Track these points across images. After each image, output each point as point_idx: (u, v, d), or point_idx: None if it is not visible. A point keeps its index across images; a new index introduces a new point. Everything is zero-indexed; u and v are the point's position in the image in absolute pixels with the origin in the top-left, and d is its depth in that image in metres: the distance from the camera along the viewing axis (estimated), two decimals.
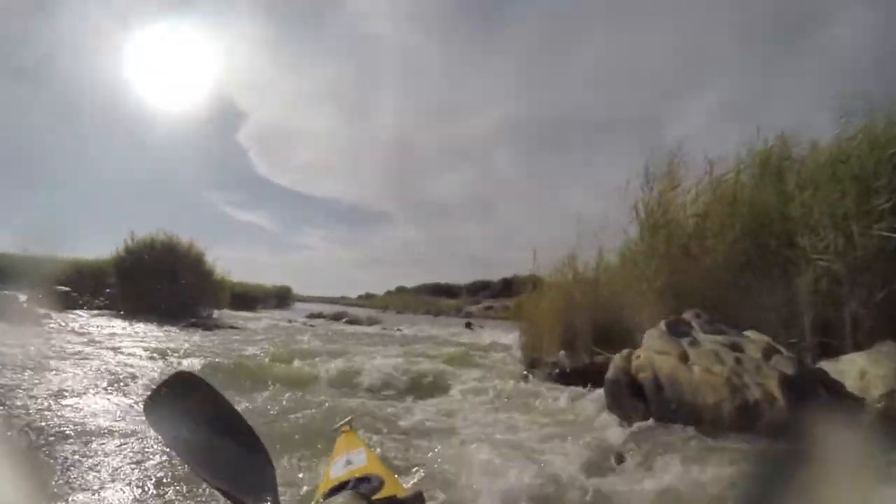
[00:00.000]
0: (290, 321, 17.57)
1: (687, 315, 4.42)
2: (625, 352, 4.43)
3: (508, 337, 13.06)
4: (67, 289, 12.16)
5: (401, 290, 75.54)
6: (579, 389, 5.21)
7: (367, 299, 74.30)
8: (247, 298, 28.49)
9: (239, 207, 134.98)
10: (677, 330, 4.21)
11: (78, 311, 11.44)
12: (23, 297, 9.61)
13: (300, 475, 2.74)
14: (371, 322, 20.40)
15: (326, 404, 4.37)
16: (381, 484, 1.49)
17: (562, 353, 6.55)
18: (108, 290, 13.01)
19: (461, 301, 60.20)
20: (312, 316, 21.33)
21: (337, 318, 20.17)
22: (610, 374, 4.36)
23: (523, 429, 3.99)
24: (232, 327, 12.11)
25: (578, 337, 6.58)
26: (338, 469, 1.80)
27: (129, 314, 11.22)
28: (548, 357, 6.74)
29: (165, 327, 10.16)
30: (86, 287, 13.10)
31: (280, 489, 1.22)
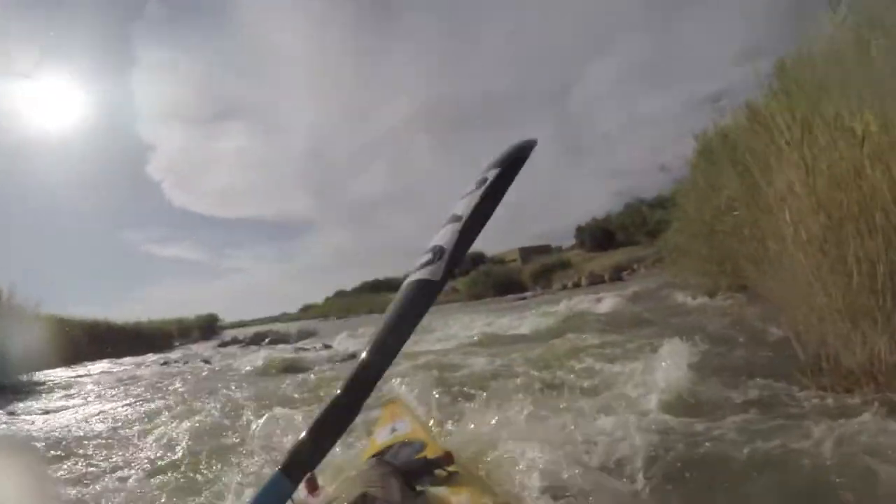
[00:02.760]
0: (164, 363, 12.37)
1: None
2: None
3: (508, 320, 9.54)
4: None
5: (340, 295, 72.60)
6: None
7: (306, 311, 71.37)
8: (160, 336, 25.04)
9: (160, 243, 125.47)
10: None
11: None
12: None
13: None
14: (302, 336, 16.84)
15: None
16: (422, 447, 1.48)
17: None
18: None
19: None
20: (224, 344, 17.29)
21: (256, 340, 16.21)
22: None
23: None
24: None
25: None
26: (383, 435, 1.83)
27: None
28: None
29: None
30: None
31: None
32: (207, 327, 33.19)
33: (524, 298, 20.34)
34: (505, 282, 31.20)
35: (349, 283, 76.28)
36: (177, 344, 26.30)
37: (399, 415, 2.08)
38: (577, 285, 19.85)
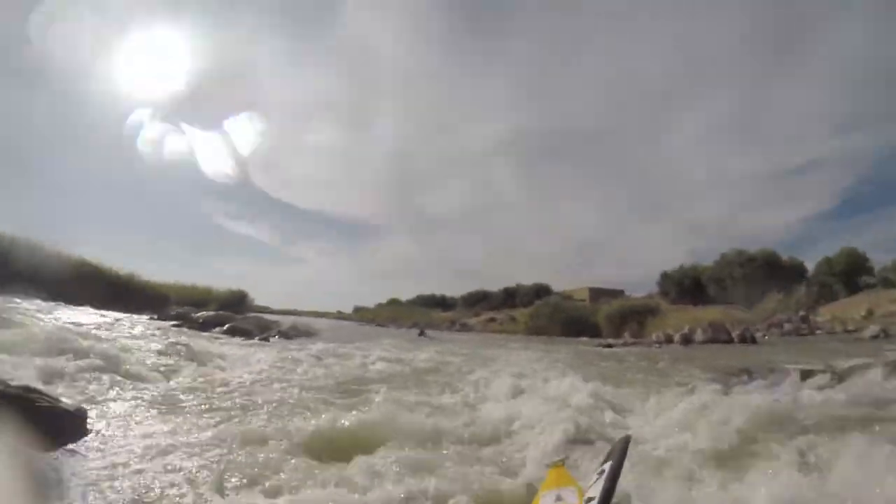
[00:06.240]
0: None
1: None
2: None
3: None
4: None
5: (393, 303, 69.23)
6: None
7: (356, 312, 69.21)
8: (155, 297, 22.50)
9: (235, 219, 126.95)
10: None
11: None
12: None
13: None
14: (294, 333, 11.90)
15: None
16: None
17: None
18: None
19: (457, 313, 52.61)
20: (171, 319, 12.31)
21: (206, 325, 11.22)
22: None
23: None
24: None
25: None
26: (548, 501, 1.74)
27: None
28: None
29: None
30: None
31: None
32: (230, 304, 29.91)
33: (610, 346, 14.42)
34: (575, 321, 25.34)
35: (405, 294, 73.09)
36: (174, 312, 23.75)
37: (564, 482, 1.90)
38: (688, 340, 13.75)
